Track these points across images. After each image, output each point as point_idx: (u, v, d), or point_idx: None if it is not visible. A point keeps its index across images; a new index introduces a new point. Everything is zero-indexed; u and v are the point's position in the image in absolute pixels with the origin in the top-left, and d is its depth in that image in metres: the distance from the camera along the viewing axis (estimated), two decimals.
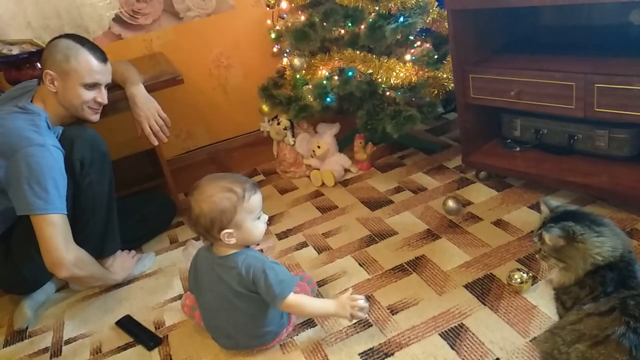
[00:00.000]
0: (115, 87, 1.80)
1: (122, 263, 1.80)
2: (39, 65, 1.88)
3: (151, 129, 1.80)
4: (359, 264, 1.66)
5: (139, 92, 1.79)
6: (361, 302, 1.32)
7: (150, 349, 1.49)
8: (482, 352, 1.25)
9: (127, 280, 1.80)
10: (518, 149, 1.91)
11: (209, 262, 1.34)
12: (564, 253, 1.01)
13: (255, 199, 1.29)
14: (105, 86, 1.66)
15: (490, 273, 1.50)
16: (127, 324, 1.59)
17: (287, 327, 1.41)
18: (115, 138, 1.90)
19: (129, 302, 1.71)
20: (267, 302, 1.30)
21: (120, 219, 1.79)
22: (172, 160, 2.49)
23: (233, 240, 1.27)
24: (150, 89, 1.85)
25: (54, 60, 1.56)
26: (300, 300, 1.32)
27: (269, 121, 2.35)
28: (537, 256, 1.08)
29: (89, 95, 1.61)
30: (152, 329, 1.56)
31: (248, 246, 1.34)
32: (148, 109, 1.79)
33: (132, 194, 2.06)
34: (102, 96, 1.65)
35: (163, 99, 1.88)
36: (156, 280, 1.80)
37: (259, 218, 1.31)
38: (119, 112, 1.87)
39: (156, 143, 1.84)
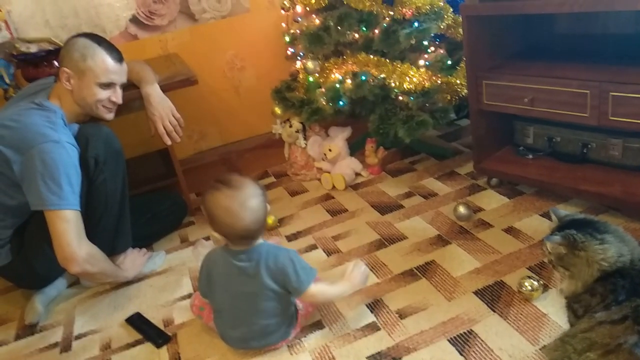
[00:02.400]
0: (131, 87, 1.81)
1: (133, 260, 1.82)
2: (56, 63, 1.91)
3: (165, 128, 1.81)
4: (369, 268, 1.66)
5: (154, 92, 1.81)
6: (363, 267, 1.43)
7: (158, 346, 1.50)
8: (490, 359, 1.24)
9: (138, 278, 1.82)
10: (531, 156, 1.91)
11: (226, 261, 1.34)
12: (567, 261, 1.01)
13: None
14: (120, 86, 1.68)
15: (501, 280, 1.49)
16: (137, 321, 1.60)
17: (296, 327, 1.41)
18: (129, 137, 1.92)
19: (139, 300, 1.72)
20: (285, 299, 1.34)
21: (132, 217, 1.81)
22: (184, 161, 2.51)
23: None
24: (164, 89, 1.86)
25: (71, 58, 1.58)
26: (321, 287, 1.37)
27: (281, 123, 2.36)
28: (551, 266, 1.08)
29: (104, 94, 1.63)
30: (161, 327, 1.57)
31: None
32: (163, 108, 1.81)
33: (144, 192, 2.08)
34: (117, 96, 1.66)
35: (177, 99, 1.89)
36: (166, 279, 1.81)
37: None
38: (134, 111, 1.89)
39: (169, 143, 1.85)
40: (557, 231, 1.04)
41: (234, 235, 1.30)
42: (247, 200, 1.28)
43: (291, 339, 1.41)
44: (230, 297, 1.36)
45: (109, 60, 1.60)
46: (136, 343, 1.53)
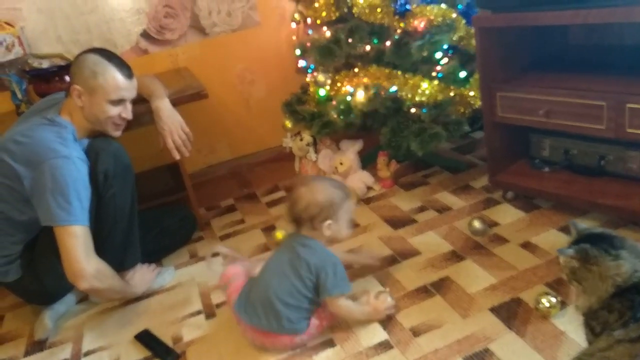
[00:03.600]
0: (140, 101, 1.81)
1: (142, 276, 1.80)
2: (67, 78, 1.91)
3: (174, 142, 1.81)
4: (381, 284, 1.63)
5: (164, 106, 1.81)
6: (389, 299, 1.47)
7: None
8: None
9: (147, 294, 1.80)
10: (547, 169, 1.87)
11: (290, 241, 1.49)
12: (580, 275, 1.00)
13: (352, 204, 1.49)
14: (130, 101, 1.68)
15: (517, 297, 1.45)
16: (146, 338, 1.58)
17: (303, 334, 1.40)
18: (138, 151, 1.92)
19: (148, 316, 1.70)
20: (310, 297, 1.41)
21: (141, 232, 1.80)
22: (194, 175, 2.50)
23: (329, 233, 1.44)
24: (174, 102, 1.86)
25: (82, 75, 1.58)
26: (348, 303, 1.44)
27: (291, 137, 2.35)
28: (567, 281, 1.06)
29: (114, 111, 1.63)
30: (170, 344, 1.55)
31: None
32: (172, 122, 1.81)
33: (153, 207, 2.07)
34: (127, 112, 1.66)
35: (187, 113, 1.89)
36: (175, 295, 1.79)
37: (350, 221, 1.49)
38: (143, 125, 1.88)
39: (178, 157, 1.85)
40: (573, 244, 1.02)
41: (288, 216, 1.49)
42: (314, 191, 1.44)
43: (296, 344, 1.41)
44: (274, 265, 1.47)
45: (119, 77, 1.59)
46: None
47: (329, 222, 1.42)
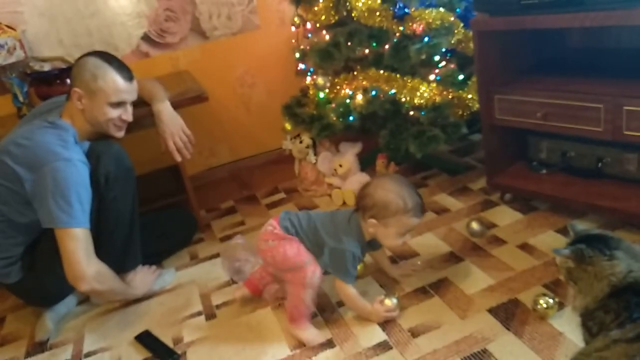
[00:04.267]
0: (141, 104, 1.82)
1: (142, 278, 1.81)
2: (69, 81, 1.92)
3: (175, 145, 1.82)
4: (380, 285, 1.64)
5: (164, 109, 1.82)
6: (391, 307, 1.47)
7: None
8: None
9: (147, 296, 1.81)
10: (544, 171, 1.88)
11: (344, 211, 1.53)
12: (576, 275, 1.01)
13: (414, 222, 1.44)
14: (131, 103, 1.69)
15: (515, 298, 1.46)
16: (146, 339, 1.59)
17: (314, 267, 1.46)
18: (139, 154, 1.92)
19: (149, 317, 1.71)
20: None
21: (142, 234, 1.81)
22: (195, 177, 2.51)
23: (372, 231, 1.44)
24: (175, 105, 1.87)
25: (82, 79, 1.59)
26: (352, 292, 1.47)
27: (291, 139, 2.36)
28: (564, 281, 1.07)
29: (114, 113, 1.64)
30: (171, 345, 1.56)
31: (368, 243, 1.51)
32: (173, 125, 1.82)
33: (154, 209, 2.08)
34: (128, 114, 1.67)
35: (187, 116, 1.90)
36: (176, 296, 1.80)
37: (403, 235, 1.45)
38: (144, 128, 1.89)
39: (179, 159, 1.86)
40: (569, 245, 1.03)
41: (357, 195, 1.51)
42: (379, 186, 1.44)
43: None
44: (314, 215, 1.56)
45: (119, 80, 1.61)
46: None
47: (374, 221, 1.42)
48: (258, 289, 1.66)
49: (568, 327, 1.31)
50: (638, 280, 0.94)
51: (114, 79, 1.60)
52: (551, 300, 1.36)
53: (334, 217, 1.53)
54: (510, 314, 1.40)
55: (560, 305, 1.39)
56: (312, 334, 1.47)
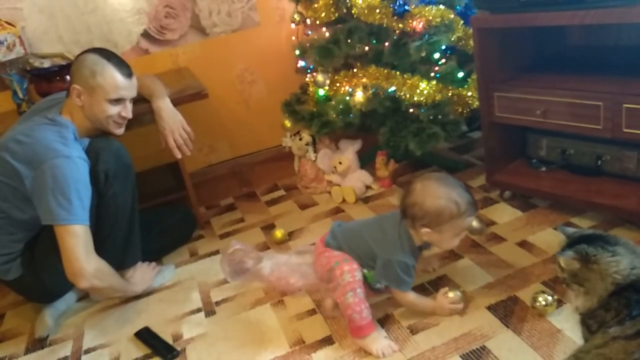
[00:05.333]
0: (141, 100, 1.82)
1: (142, 275, 1.81)
2: (68, 78, 1.92)
3: (175, 142, 1.82)
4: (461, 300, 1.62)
5: (165, 106, 1.82)
6: (456, 299, 1.42)
7: None
8: None
9: (147, 292, 1.81)
10: (544, 169, 1.88)
11: (389, 216, 1.48)
12: (581, 276, 1.00)
13: (470, 222, 1.38)
14: (131, 100, 1.69)
15: (514, 295, 1.46)
16: (146, 336, 1.59)
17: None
18: (139, 150, 1.93)
19: (148, 314, 1.71)
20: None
21: (142, 231, 1.81)
22: (194, 174, 2.51)
23: (426, 239, 1.39)
24: (175, 102, 1.87)
25: (81, 75, 1.59)
26: (410, 297, 1.42)
27: (291, 136, 2.36)
28: (564, 285, 1.06)
29: (114, 110, 1.64)
30: (170, 342, 1.56)
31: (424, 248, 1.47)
32: (173, 122, 1.82)
33: (154, 206, 2.08)
34: (127, 111, 1.67)
35: (187, 113, 1.90)
36: (175, 293, 1.80)
37: (459, 235, 1.39)
38: (144, 125, 1.90)
39: (179, 156, 1.86)
40: (567, 248, 1.02)
41: (402, 201, 1.41)
42: (427, 193, 1.35)
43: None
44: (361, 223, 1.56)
45: (118, 77, 1.60)
46: (145, 358, 1.52)
47: (427, 230, 1.35)
48: None
49: (567, 324, 1.32)
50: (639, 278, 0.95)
51: (113, 76, 1.60)
52: (550, 298, 1.37)
53: (381, 224, 1.46)
54: (509, 311, 1.41)
55: (559, 303, 1.39)
56: (381, 344, 1.36)
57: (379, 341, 1.36)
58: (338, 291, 1.38)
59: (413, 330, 1.41)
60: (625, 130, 1.47)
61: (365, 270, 1.44)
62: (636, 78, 1.54)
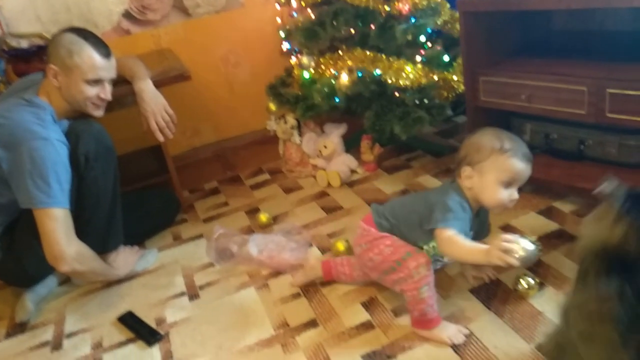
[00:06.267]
0: (123, 82, 1.79)
1: (124, 259, 1.79)
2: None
3: (157, 124, 1.79)
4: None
5: (146, 87, 1.79)
6: (516, 244, 1.07)
7: (151, 344, 1.48)
8: (486, 357, 1.23)
9: (130, 276, 1.80)
10: None
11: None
12: None
13: (515, 164, 1.22)
14: (110, 82, 1.65)
15: (497, 278, 1.48)
16: (129, 320, 1.58)
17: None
18: (121, 133, 1.90)
19: (131, 298, 1.70)
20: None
21: (124, 215, 1.79)
22: (178, 157, 2.48)
23: (467, 183, 1.26)
24: (157, 84, 1.84)
25: (58, 55, 1.56)
26: (458, 238, 1.20)
27: (275, 120, 2.34)
28: None
29: (92, 91, 1.60)
30: (154, 325, 1.55)
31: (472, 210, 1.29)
32: (155, 104, 1.79)
33: (136, 189, 2.06)
34: (106, 92, 1.64)
35: (170, 95, 1.87)
36: (158, 277, 1.79)
37: (507, 187, 1.24)
38: (126, 107, 1.87)
39: (162, 139, 1.83)
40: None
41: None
42: (471, 135, 1.29)
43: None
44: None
45: (96, 57, 1.57)
46: (128, 342, 1.51)
47: (469, 169, 1.25)
48: (331, 274, 1.54)
49: (548, 307, 1.34)
50: None
51: (90, 55, 1.56)
52: (532, 281, 1.38)
53: (431, 191, 1.40)
54: (491, 294, 1.42)
55: (541, 286, 1.41)
56: (451, 331, 1.29)
57: (448, 328, 1.30)
58: (409, 284, 1.27)
59: (397, 313, 1.42)
60: (609, 115, 1.48)
61: (424, 246, 1.32)
62: (620, 63, 1.55)
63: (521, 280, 1.39)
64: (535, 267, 1.49)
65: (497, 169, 1.23)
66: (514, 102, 1.70)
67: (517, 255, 1.06)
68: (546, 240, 1.59)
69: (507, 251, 1.07)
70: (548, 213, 1.72)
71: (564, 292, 1.37)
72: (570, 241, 1.57)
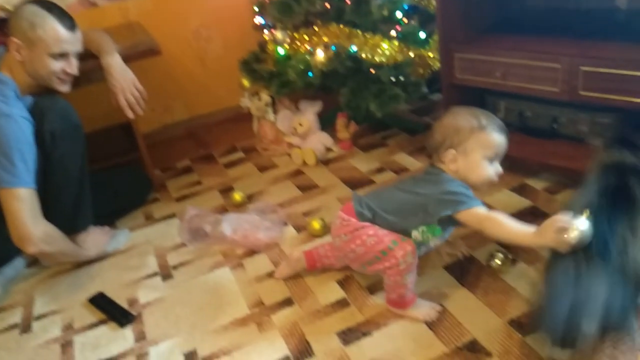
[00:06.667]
0: (90, 57, 1.73)
1: (94, 239, 1.75)
2: None
3: (127, 101, 1.74)
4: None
5: (114, 62, 1.73)
6: (570, 224, 1.00)
7: (123, 325, 1.46)
8: (459, 332, 1.24)
9: (100, 257, 1.76)
10: None
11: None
12: None
13: (497, 138, 1.25)
14: (76, 56, 1.59)
15: (470, 255, 1.49)
16: (100, 301, 1.55)
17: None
18: (89, 110, 1.84)
19: (102, 279, 1.67)
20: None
21: (94, 194, 1.74)
22: (149, 135, 2.42)
23: (453, 167, 1.27)
24: (126, 59, 1.78)
25: (20, 27, 1.49)
26: (497, 218, 1.15)
27: (249, 97, 2.30)
28: None
29: (57, 65, 1.55)
30: (126, 306, 1.53)
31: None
32: (124, 79, 1.73)
33: (106, 168, 2.00)
34: (71, 66, 1.58)
35: (139, 71, 1.81)
36: (130, 257, 1.76)
37: (491, 162, 1.26)
38: (93, 82, 1.81)
39: (131, 116, 1.78)
40: None
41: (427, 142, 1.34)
42: (445, 117, 1.30)
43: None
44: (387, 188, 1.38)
45: (60, 29, 1.51)
46: (99, 323, 1.49)
47: (452, 152, 1.25)
48: (315, 263, 1.48)
49: (520, 282, 1.36)
50: None
51: (54, 28, 1.50)
52: (505, 257, 1.40)
53: (413, 177, 1.35)
54: (465, 271, 1.44)
55: (514, 262, 1.43)
56: (425, 308, 1.30)
57: (422, 306, 1.31)
58: (394, 271, 1.25)
59: (372, 291, 1.42)
60: (582, 92, 1.49)
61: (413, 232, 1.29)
62: (594, 41, 1.56)
63: (494, 256, 1.41)
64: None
65: (480, 146, 1.24)
66: (488, 79, 1.70)
67: (572, 235, 1.00)
68: (519, 217, 1.60)
69: (562, 230, 1.01)
70: (521, 190, 1.74)
71: (536, 268, 1.39)
72: (542, 218, 1.59)
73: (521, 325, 1.22)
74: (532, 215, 1.61)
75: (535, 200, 1.68)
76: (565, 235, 1.00)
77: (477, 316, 1.28)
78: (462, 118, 1.26)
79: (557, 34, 1.68)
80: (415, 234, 1.28)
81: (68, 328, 1.49)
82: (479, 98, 1.94)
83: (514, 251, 1.46)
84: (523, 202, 1.68)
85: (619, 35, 1.55)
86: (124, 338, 1.42)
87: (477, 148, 1.24)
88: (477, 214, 1.21)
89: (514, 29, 1.84)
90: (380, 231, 1.27)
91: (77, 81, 1.64)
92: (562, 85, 1.53)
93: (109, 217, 1.92)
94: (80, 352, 1.41)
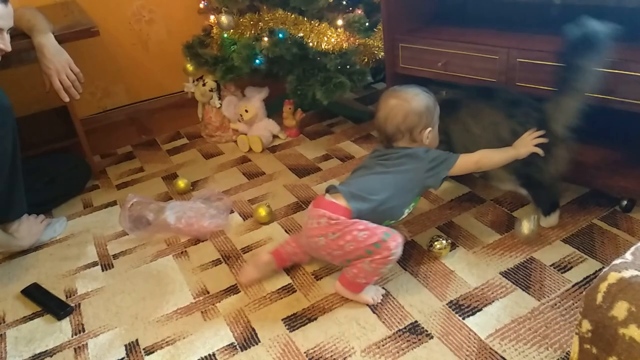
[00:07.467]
0: (21, 36, 1.63)
1: (28, 228, 1.67)
2: None
3: (62, 83, 1.66)
4: (285, 231, 1.65)
5: (48, 42, 1.64)
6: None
7: (60, 318, 1.40)
8: (401, 315, 1.28)
9: (35, 247, 1.69)
10: None
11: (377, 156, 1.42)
12: None
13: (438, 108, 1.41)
14: (8, 31, 1.50)
15: (412, 239, 1.54)
16: (34, 292, 1.49)
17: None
18: (21, 93, 1.75)
19: (37, 270, 1.60)
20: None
21: (28, 181, 1.66)
22: (87, 120, 2.32)
23: (428, 142, 1.38)
24: (61, 39, 1.70)
25: None
26: (481, 154, 1.38)
27: (193, 82, 2.24)
28: None
29: None
30: (63, 298, 1.47)
31: None
32: (58, 61, 1.65)
33: (40, 154, 1.91)
34: (5, 42, 1.49)
35: (76, 53, 1.74)
36: (67, 247, 1.69)
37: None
38: (25, 63, 1.71)
39: (67, 99, 1.71)
40: None
41: (380, 133, 1.43)
42: (408, 100, 1.36)
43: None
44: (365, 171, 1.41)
45: None
46: (34, 315, 1.43)
47: (429, 129, 1.36)
48: (285, 262, 1.45)
49: (459, 266, 1.41)
50: None
51: None
52: (444, 242, 1.45)
53: (389, 161, 1.37)
54: (407, 255, 1.47)
55: (453, 246, 1.48)
56: (372, 293, 1.33)
57: (369, 290, 1.33)
58: (382, 261, 1.26)
59: (317, 276, 1.44)
60: (518, 83, 1.56)
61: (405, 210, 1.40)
62: (531, 34, 1.62)
63: (434, 241, 1.45)
64: (447, 228, 1.57)
65: (437, 117, 1.41)
66: (431, 69, 1.74)
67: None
68: (457, 203, 1.67)
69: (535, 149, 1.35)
70: (459, 177, 1.80)
71: (474, 252, 1.45)
72: (479, 203, 1.66)
73: (460, 307, 1.27)
74: (470, 200, 1.68)
75: (473, 187, 1.75)
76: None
77: (418, 299, 1.32)
78: (422, 98, 1.38)
79: (498, 26, 1.74)
80: (406, 211, 1.40)
81: (0, 322, 1.42)
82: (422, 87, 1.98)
83: (453, 236, 1.52)
84: (461, 189, 1.75)
85: (553, 28, 1.61)
86: (60, 331, 1.37)
87: (437, 120, 1.41)
88: (466, 159, 1.38)
89: (456, 20, 1.89)
90: (370, 225, 1.28)
91: (6, 62, 1.55)
92: (499, 76, 1.58)
93: (44, 205, 1.84)
94: (14, 346, 1.34)
